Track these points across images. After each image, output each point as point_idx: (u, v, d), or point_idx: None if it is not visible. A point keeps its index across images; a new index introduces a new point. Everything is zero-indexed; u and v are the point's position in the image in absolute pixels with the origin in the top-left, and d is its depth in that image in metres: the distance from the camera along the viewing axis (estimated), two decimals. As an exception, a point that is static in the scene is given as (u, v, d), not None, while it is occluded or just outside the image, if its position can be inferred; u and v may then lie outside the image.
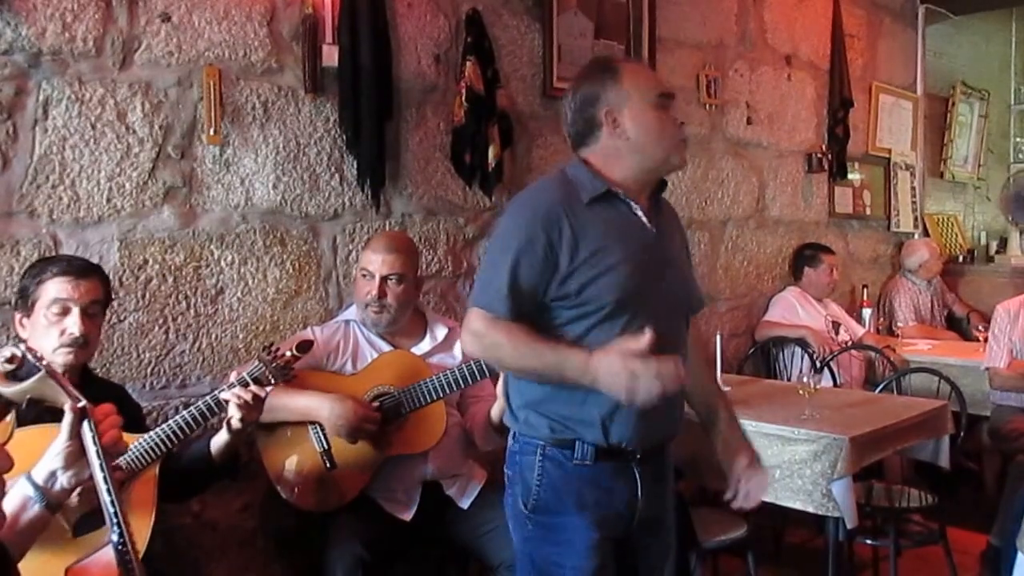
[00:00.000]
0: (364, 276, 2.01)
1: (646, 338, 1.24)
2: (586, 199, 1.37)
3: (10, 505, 1.09)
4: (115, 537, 1.07)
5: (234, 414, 1.57)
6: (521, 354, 1.33)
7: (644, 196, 1.44)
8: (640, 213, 1.41)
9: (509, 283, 1.33)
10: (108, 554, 1.07)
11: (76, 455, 1.12)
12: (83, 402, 1.11)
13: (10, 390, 1.08)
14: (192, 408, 1.60)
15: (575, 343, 1.34)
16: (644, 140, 1.39)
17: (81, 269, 1.58)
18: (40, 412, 1.24)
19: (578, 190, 1.38)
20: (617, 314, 1.35)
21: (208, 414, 1.61)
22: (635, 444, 1.38)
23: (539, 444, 1.39)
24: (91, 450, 1.09)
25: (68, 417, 1.11)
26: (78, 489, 1.18)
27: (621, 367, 1.24)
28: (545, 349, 1.32)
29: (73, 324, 1.52)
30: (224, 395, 1.57)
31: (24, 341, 1.54)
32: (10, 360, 1.08)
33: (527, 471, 1.40)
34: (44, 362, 1.11)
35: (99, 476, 1.08)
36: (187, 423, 1.58)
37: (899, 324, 3.82)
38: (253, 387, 1.57)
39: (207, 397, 1.62)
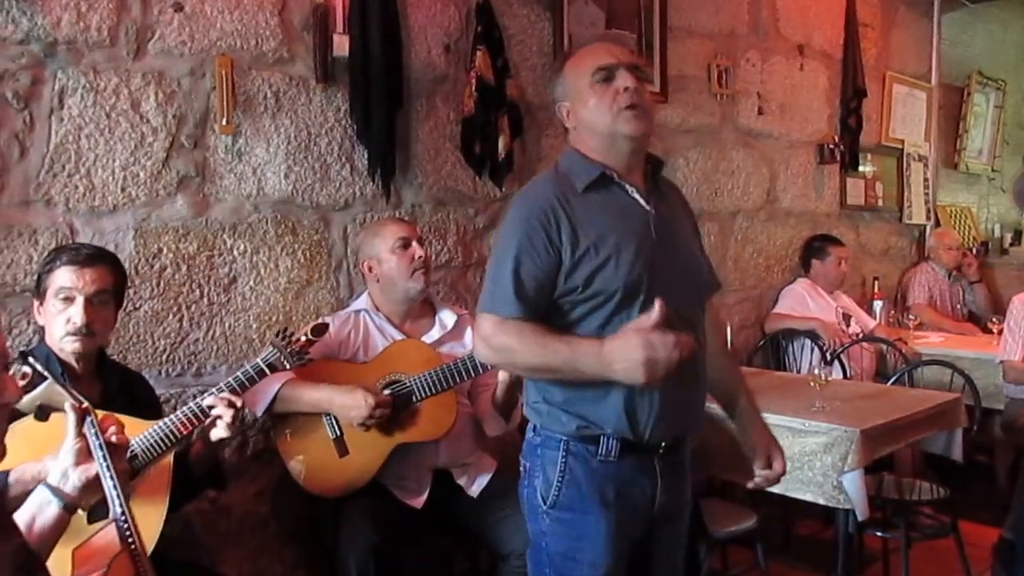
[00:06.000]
0: (401, 247, 2.04)
1: (656, 311, 1.22)
2: (580, 187, 1.36)
3: (28, 510, 1.15)
4: (117, 511, 1.14)
5: (220, 426, 1.54)
6: (534, 353, 1.30)
7: (638, 177, 1.42)
8: (637, 195, 1.39)
9: (514, 283, 1.31)
10: (111, 531, 1.13)
11: (84, 452, 1.18)
12: (84, 403, 1.21)
13: (23, 401, 1.20)
14: (199, 399, 1.59)
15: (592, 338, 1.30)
16: (589, 119, 1.39)
17: (88, 258, 1.57)
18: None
19: (572, 180, 1.38)
20: (629, 302, 1.32)
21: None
22: (658, 436, 1.37)
23: (563, 439, 1.36)
24: (93, 443, 1.18)
25: (71, 417, 1.19)
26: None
27: (636, 343, 1.22)
28: (558, 344, 1.30)
29: (76, 313, 1.53)
30: (208, 400, 1.55)
31: (42, 328, 1.61)
32: (23, 377, 1.23)
33: (548, 465, 1.37)
34: (47, 371, 1.26)
35: (101, 463, 1.17)
36: (196, 413, 1.57)
37: (910, 303, 3.79)
38: (228, 394, 1.55)
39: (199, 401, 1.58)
